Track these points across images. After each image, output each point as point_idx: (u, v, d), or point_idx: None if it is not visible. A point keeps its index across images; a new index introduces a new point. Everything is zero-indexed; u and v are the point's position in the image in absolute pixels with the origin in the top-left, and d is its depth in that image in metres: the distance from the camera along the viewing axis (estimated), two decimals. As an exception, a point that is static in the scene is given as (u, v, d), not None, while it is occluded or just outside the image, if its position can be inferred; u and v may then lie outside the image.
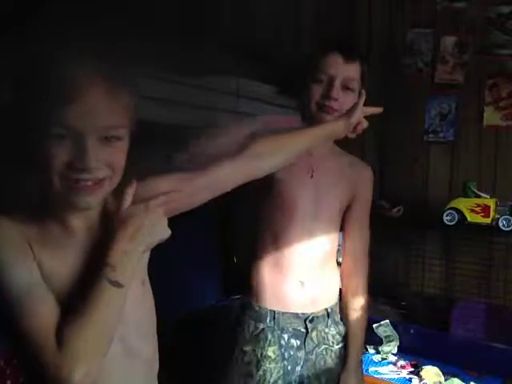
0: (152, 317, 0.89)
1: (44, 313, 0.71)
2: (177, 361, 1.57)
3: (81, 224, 0.78)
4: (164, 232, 0.82)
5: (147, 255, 0.89)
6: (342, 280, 1.43)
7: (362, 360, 1.46)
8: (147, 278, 0.89)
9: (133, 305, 0.80)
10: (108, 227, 0.78)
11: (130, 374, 0.82)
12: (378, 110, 1.26)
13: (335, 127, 1.17)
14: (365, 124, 1.21)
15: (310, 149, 1.11)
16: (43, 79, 0.65)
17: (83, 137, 0.68)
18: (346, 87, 1.28)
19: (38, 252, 0.74)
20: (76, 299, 0.73)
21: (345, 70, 1.27)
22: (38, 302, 0.71)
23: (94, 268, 0.75)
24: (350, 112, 1.17)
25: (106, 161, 0.72)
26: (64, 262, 0.76)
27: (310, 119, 1.32)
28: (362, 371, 1.45)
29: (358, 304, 1.40)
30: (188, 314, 1.76)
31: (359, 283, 1.41)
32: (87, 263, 0.77)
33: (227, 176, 0.95)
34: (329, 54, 1.28)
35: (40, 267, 0.74)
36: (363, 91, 1.21)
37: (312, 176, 1.34)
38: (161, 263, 1.63)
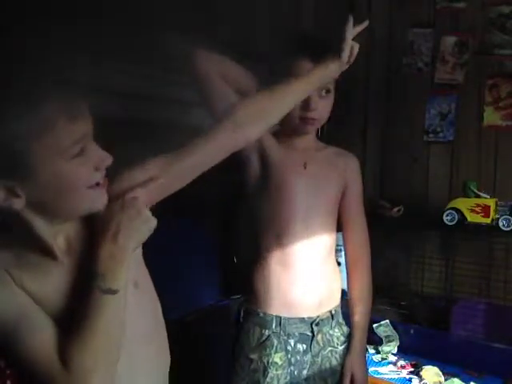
0: (152, 317, 0.88)
1: (40, 337, 0.69)
2: (176, 361, 1.57)
3: (62, 239, 0.77)
4: (148, 223, 0.80)
5: (138, 257, 0.87)
6: (347, 268, 1.43)
7: (366, 344, 1.45)
8: (143, 280, 0.87)
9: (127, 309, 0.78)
10: (88, 235, 0.77)
11: (133, 376, 0.81)
12: (363, 24, 1.17)
13: (326, 72, 1.08)
14: (356, 48, 1.13)
15: (298, 101, 1.04)
16: None
17: None
18: (322, 90, 1.27)
19: (19, 277, 0.72)
20: (72, 315, 0.71)
21: None
22: (31, 327, 0.69)
23: (82, 280, 0.73)
24: (340, 51, 1.09)
25: None
26: (49, 282, 0.74)
27: (292, 130, 1.33)
28: (366, 356, 1.45)
29: (362, 288, 1.41)
30: (188, 314, 1.76)
31: (364, 269, 1.41)
32: (74, 278, 0.75)
33: (211, 153, 0.92)
34: (299, 62, 1.24)
35: (25, 291, 0.71)
36: (350, 17, 1.13)
37: (305, 168, 1.34)
38: (160, 263, 1.63)
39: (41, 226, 0.72)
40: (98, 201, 0.75)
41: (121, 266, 0.74)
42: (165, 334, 0.90)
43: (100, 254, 0.73)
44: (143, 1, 1.41)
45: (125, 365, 0.78)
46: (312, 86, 1.07)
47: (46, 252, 0.74)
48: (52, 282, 0.74)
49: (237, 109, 0.94)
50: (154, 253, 1.60)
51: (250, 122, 0.94)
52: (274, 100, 0.98)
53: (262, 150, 1.33)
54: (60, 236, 0.76)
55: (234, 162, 1.36)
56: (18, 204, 0.68)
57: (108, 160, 0.75)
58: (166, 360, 0.90)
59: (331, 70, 1.08)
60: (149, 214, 0.80)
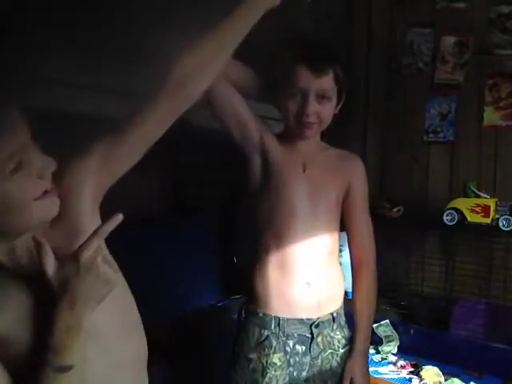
0: (127, 313, 0.85)
1: None
2: (176, 361, 1.57)
3: (19, 253, 0.72)
4: (108, 285, 0.71)
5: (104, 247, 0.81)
6: (352, 269, 1.42)
7: (368, 348, 1.45)
8: (113, 264, 0.81)
9: (101, 307, 0.75)
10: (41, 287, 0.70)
11: (115, 375, 0.79)
12: None
13: (260, 1, 0.95)
14: None
15: (241, 39, 0.90)
16: None
17: None
18: (321, 97, 1.25)
19: None
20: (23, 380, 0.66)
21: (317, 84, 1.24)
22: None
23: (47, 295, 0.67)
24: None
25: None
26: (8, 309, 0.68)
27: (291, 131, 1.32)
28: (368, 360, 1.44)
29: (366, 291, 1.40)
30: (188, 314, 1.75)
31: (369, 271, 1.41)
32: (37, 291, 0.69)
33: (159, 121, 0.85)
34: (298, 69, 1.23)
35: None
36: None
37: (304, 171, 1.34)
38: (161, 263, 1.63)
39: None
40: (49, 209, 0.71)
41: (77, 338, 0.68)
42: (142, 330, 0.87)
43: (55, 326, 0.66)
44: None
45: (101, 362, 0.76)
46: (252, 18, 0.93)
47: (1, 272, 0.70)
48: (13, 307, 0.68)
49: (176, 64, 0.85)
50: (154, 253, 1.60)
51: (194, 76, 0.85)
52: (215, 46, 0.88)
53: (263, 151, 1.33)
54: (17, 251, 0.72)
55: (236, 162, 1.37)
56: None
57: (51, 166, 0.70)
58: (144, 356, 0.87)
59: None
60: (108, 274, 0.71)
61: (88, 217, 0.80)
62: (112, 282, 0.72)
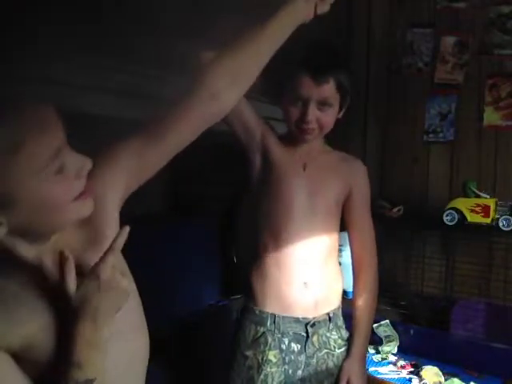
0: (140, 311, 0.85)
1: None
2: (176, 361, 1.57)
3: (52, 253, 0.71)
4: (126, 298, 0.72)
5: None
6: (353, 270, 1.43)
7: (366, 350, 1.45)
8: (125, 272, 0.82)
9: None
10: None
11: (129, 372, 0.80)
12: None
13: (295, 12, 0.93)
14: None
15: (274, 51, 0.89)
16: None
17: None
18: (322, 104, 1.26)
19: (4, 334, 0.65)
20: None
21: (318, 92, 1.24)
22: None
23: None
24: None
25: None
26: (40, 311, 0.68)
27: (293, 133, 1.33)
28: (365, 362, 1.44)
29: (366, 292, 1.40)
30: (188, 314, 1.76)
31: (370, 273, 1.42)
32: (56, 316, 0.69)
33: (188, 130, 0.84)
34: (299, 77, 1.24)
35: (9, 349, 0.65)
36: None
37: (304, 170, 1.35)
38: (161, 263, 1.63)
39: (25, 249, 0.67)
40: (82, 210, 0.70)
41: (99, 351, 0.69)
42: (146, 326, 0.87)
43: (77, 341, 0.67)
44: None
45: (121, 361, 0.76)
46: (287, 30, 0.92)
47: (35, 274, 0.69)
48: (39, 315, 0.69)
49: (209, 75, 0.82)
50: (154, 253, 1.60)
51: (227, 86, 0.83)
52: (248, 57, 0.86)
53: (264, 150, 1.34)
54: (49, 251, 0.71)
55: (236, 162, 1.37)
56: (0, 232, 0.63)
57: (88, 165, 0.69)
58: (148, 351, 0.88)
59: (300, 9, 0.93)
60: (126, 287, 0.72)
61: (112, 217, 0.80)
62: (129, 293, 0.73)
